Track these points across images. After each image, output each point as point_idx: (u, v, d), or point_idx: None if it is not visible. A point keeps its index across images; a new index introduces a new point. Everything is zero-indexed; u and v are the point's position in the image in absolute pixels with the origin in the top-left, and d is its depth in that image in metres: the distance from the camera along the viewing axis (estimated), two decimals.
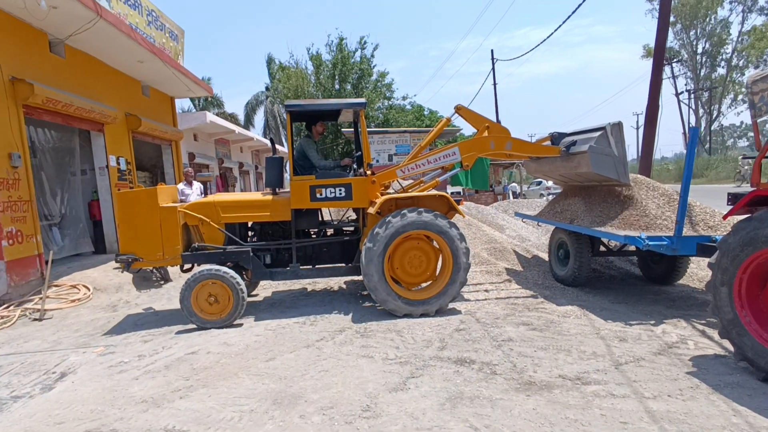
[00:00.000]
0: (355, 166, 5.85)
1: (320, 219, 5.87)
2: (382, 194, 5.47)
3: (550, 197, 17.49)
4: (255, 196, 5.70)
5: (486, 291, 6.09)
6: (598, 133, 5.55)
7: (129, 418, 3.09)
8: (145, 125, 9.89)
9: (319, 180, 5.32)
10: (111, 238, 8.88)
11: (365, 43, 24.89)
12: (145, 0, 9.96)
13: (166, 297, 6.57)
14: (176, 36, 11.65)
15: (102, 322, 5.60)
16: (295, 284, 6.97)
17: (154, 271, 7.36)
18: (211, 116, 15.32)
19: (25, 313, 5.94)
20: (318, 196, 5.30)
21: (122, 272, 7.13)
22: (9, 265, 6.22)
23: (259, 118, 36.65)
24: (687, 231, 4.87)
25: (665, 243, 4.56)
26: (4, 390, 3.73)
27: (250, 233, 5.80)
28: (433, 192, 5.53)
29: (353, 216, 6.42)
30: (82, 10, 6.71)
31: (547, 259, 7.13)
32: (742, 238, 3.31)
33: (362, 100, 5.71)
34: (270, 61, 33.06)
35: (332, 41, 25.30)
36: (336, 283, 7.03)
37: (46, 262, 6.68)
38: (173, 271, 7.46)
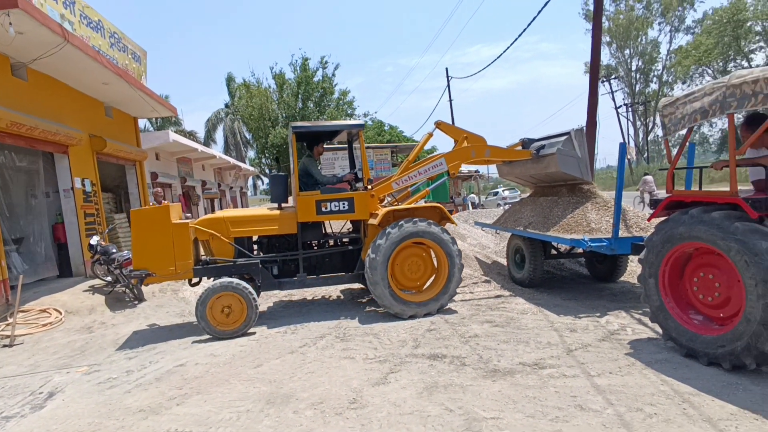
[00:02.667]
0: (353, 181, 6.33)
1: (323, 231, 6.25)
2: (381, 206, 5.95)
3: (507, 206, 18.45)
4: (262, 211, 6.05)
5: None
6: (564, 137, 6.29)
7: (130, 427, 3.30)
8: (110, 146, 9.85)
9: (324, 195, 5.75)
10: (77, 261, 8.75)
11: (326, 62, 25.46)
12: (107, 22, 10.00)
13: (143, 316, 6.63)
14: (139, 57, 11.67)
15: (79, 343, 5.63)
16: (294, 294, 7.30)
17: (127, 291, 7.38)
18: (174, 135, 15.24)
19: None
20: (323, 209, 5.71)
21: (130, 290, 7.30)
22: None
23: (220, 135, 36.36)
24: (623, 233, 5.56)
25: (605, 244, 5.21)
26: None
27: (254, 246, 6.09)
28: (429, 204, 6.11)
29: (350, 228, 6.86)
30: (50, 35, 6.77)
31: (505, 264, 7.73)
32: (662, 237, 3.95)
33: (361, 122, 6.27)
34: (230, 79, 32.98)
35: (296, 61, 25.72)
36: (332, 292, 7.39)
37: (12, 287, 6.59)
38: (147, 290, 7.50)
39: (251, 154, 35.79)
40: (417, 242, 5.64)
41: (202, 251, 6.00)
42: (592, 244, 5.20)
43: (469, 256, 8.38)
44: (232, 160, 24.34)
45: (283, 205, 6.07)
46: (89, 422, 3.44)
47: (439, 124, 6.48)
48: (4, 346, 5.73)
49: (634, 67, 46.49)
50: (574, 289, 6.67)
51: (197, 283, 5.83)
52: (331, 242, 6.27)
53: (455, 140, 6.57)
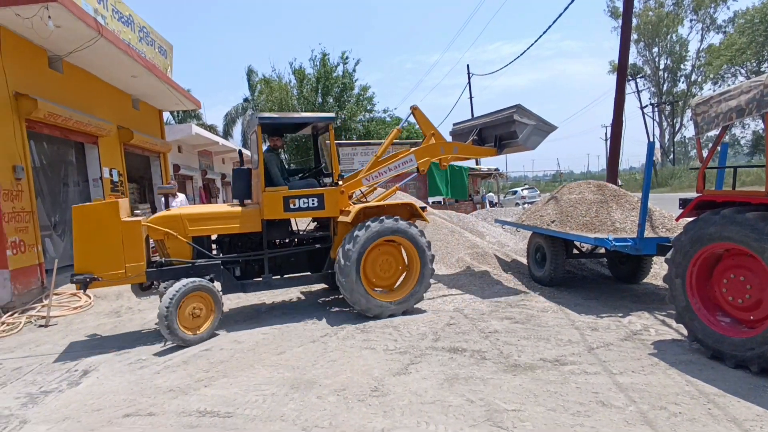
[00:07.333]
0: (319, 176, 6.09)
1: (290, 229, 5.93)
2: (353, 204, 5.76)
3: (526, 206, 18.26)
4: (223, 207, 5.68)
5: (471, 291, 6.58)
6: (514, 127, 6.24)
7: (162, 404, 3.43)
8: (136, 138, 10.13)
9: (293, 191, 5.45)
10: None
11: (347, 58, 25.57)
12: (137, 17, 10.26)
13: None
14: (165, 51, 11.94)
15: (108, 327, 5.84)
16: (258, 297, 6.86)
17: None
18: (196, 128, 15.56)
19: (30, 320, 6.12)
20: (291, 206, 5.41)
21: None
22: (13, 274, 6.39)
23: (238, 130, 36.79)
24: (648, 233, 5.48)
25: (629, 244, 5.15)
26: (31, 387, 3.99)
27: (213, 246, 5.67)
28: (400, 200, 5.98)
29: (312, 226, 6.51)
30: (85, 29, 7.01)
31: (525, 262, 7.69)
32: (691, 237, 3.89)
33: (332, 114, 6.00)
34: (250, 72, 33.31)
35: (316, 56, 25.92)
36: (294, 294, 7.01)
37: (47, 271, 6.86)
38: None
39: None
40: (388, 240, 5.47)
41: (153, 252, 5.57)
42: (616, 244, 5.14)
43: (488, 254, 8.35)
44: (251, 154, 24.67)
45: (246, 201, 5.77)
46: (124, 398, 3.59)
47: (414, 109, 6.29)
48: (41, 326, 6.00)
49: (662, 66, 45.35)
50: (596, 289, 6.61)
51: (149, 287, 5.37)
52: (297, 241, 5.95)
53: (424, 133, 6.46)
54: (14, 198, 6.57)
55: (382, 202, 5.85)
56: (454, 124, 7.73)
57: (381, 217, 5.33)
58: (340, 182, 5.73)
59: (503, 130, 6.48)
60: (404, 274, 5.74)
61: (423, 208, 5.98)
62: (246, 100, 35.87)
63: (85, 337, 5.47)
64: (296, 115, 6.22)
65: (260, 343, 4.72)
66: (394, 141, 6.64)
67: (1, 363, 4.66)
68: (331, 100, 25.19)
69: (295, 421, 3.07)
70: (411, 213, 5.85)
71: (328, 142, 5.85)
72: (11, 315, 6.12)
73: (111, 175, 9.48)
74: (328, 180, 5.89)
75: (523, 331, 4.71)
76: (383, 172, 6.03)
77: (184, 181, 17.17)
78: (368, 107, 26.44)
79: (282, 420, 3.10)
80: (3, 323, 5.87)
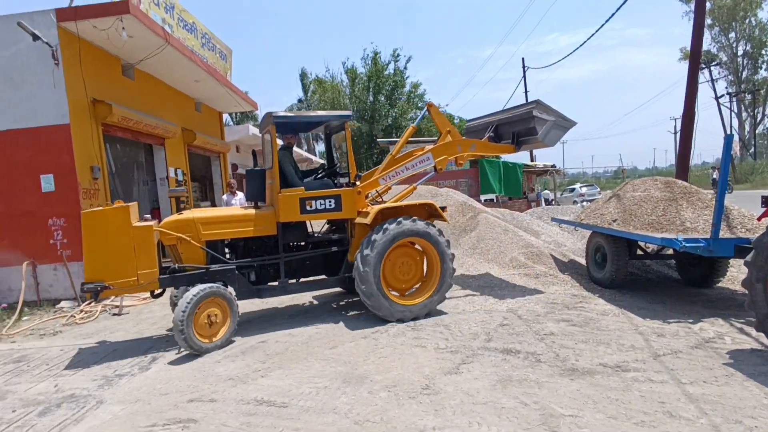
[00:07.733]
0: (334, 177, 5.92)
1: (306, 232, 5.76)
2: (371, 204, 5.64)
3: (584, 204, 17.44)
4: (237, 210, 5.56)
5: (525, 291, 6.39)
6: (534, 123, 5.99)
7: (222, 392, 3.61)
8: (199, 139, 10.72)
9: (309, 192, 5.27)
10: None
11: (398, 55, 25.64)
12: (200, 24, 10.83)
13: None
14: (225, 55, 12.52)
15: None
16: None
17: None
18: (253, 129, 16.18)
19: (105, 309, 6.66)
20: (308, 208, 5.22)
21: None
22: None
23: None
24: (724, 233, 5.06)
25: (702, 245, 4.77)
26: (107, 370, 4.34)
27: (226, 250, 5.47)
28: (419, 201, 5.78)
29: (326, 227, 6.43)
30: (154, 38, 7.51)
31: (583, 263, 7.35)
32: None
33: (348, 112, 5.85)
34: (303, 75, 34.25)
35: (367, 54, 26.22)
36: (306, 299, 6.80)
37: None
38: None
39: (321, 147, 37.04)
40: (406, 242, 5.32)
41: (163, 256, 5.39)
42: (686, 245, 4.78)
43: (543, 253, 8.06)
44: (305, 153, 25.35)
45: (259, 203, 5.67)
46: (188, 385, 3.82)
47: (430, 106, 6.13)
48: (114, 314, 6.51)
49: (740, 52, 41.61)
50: (662, 292, 6.19)
51: (160, 294, 5.21)
52: (313, 244, 5.78)
53: (440, 131, 6.24)
54: (91, 196, 7.16)
55: (399, 203, 5.68)
56: (468, 121, 7.54)
57: (373, 238, 5.03)
58: (357, 182, 5.61)
59: (521, 127, 6.25)
60: (425, 264, 5.58)
61: (443, 208, 5.74)
62: (300, 100, 36.94)
63: (152, 325, 5.87)
64: (312, 113, 6.12)
65: (313, 337, 4.84)
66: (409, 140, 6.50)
67: (81, 348, 5.10)
68: (383, 98, 25.36)
69: (347, 414, 3.13)
70: (429, 213, 5.66)
71: (344, 141, 5.74)
72: (89, 304, 6.69)
73: (176, 174, 10.10)
74: (343, 180, 5.76)
75: (581, 335, 4.51)
76: (400, 172, 5.84)
77: (241, 180, 17.96)
78: (419, 104, 26.36)
79: (334, 413, 3.16)
80: (81, 311, 6.44)
